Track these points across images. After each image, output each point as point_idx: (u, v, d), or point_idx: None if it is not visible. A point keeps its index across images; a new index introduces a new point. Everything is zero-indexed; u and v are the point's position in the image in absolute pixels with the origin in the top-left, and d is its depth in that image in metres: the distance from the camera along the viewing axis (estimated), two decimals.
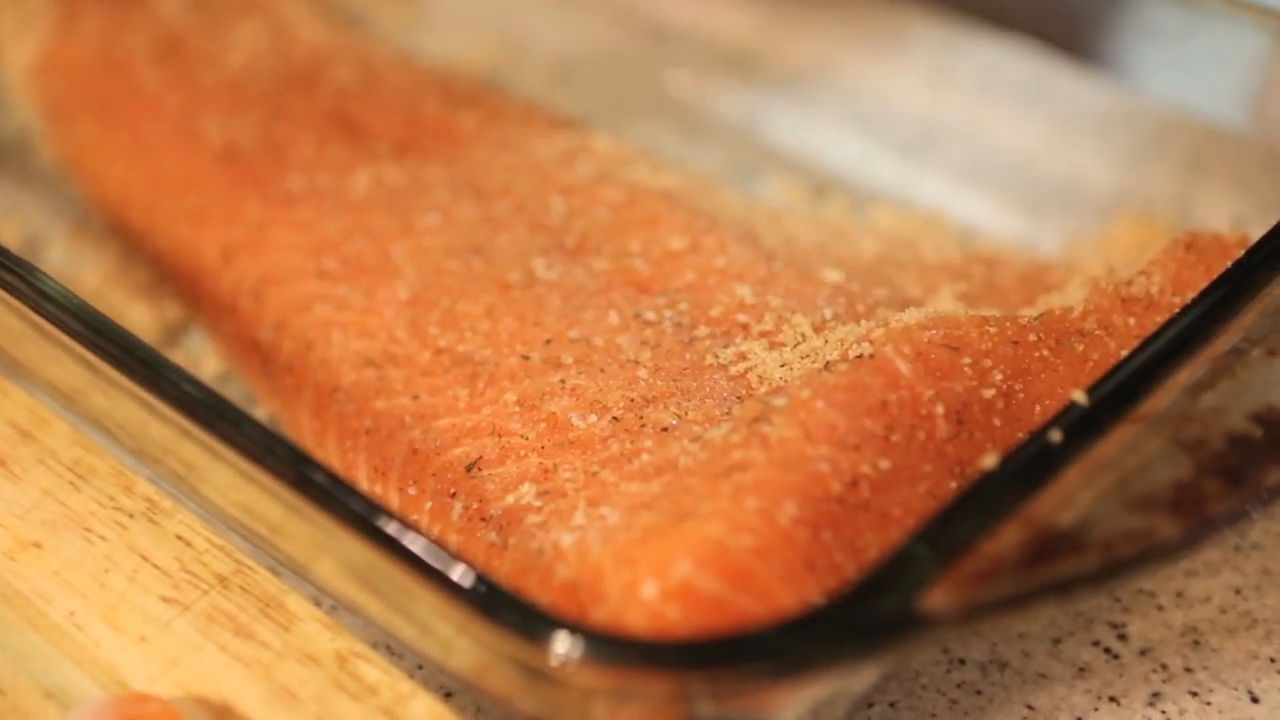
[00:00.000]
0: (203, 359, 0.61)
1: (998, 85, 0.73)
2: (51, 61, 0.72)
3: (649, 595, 0.42)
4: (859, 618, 0.40)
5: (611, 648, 0.40)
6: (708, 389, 0.50)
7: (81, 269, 0.65)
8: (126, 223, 0.65)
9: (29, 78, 0.72)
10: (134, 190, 0.65)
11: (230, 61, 0.69)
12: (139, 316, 0.62)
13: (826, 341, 0.50)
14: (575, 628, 0.40)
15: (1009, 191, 0.69)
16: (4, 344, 0.54)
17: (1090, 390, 0.44)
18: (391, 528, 0.42)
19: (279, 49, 0.70)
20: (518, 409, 0.51)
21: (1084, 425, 0.43)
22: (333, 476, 0.44)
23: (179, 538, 0.49)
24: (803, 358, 0.50)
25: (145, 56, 0.70)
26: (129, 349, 0.48)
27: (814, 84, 0.75)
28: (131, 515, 0.50)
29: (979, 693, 0.50)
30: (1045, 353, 0.48)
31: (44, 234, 0.67)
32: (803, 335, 0.51)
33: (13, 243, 0.65)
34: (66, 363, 0.51)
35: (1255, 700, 0.49)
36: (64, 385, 0.53)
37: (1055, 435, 0.43)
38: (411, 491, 0.50)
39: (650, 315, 0.54)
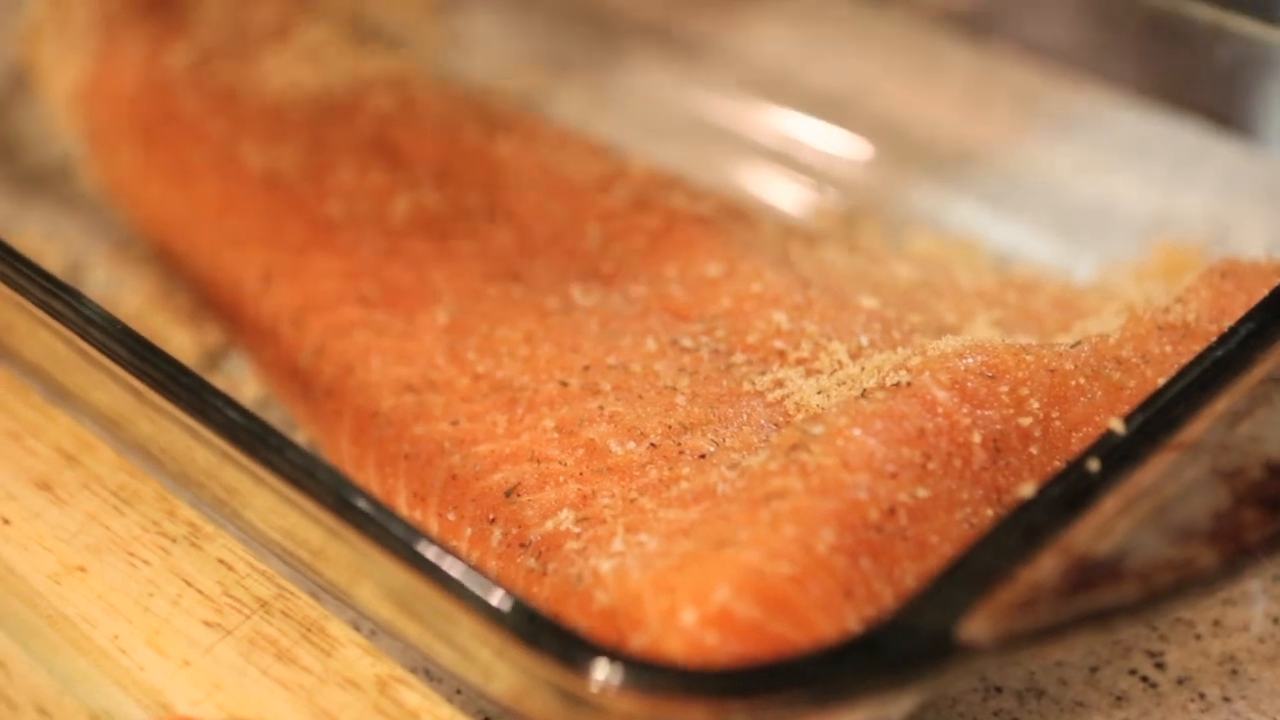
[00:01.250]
0: (242, 383, 0.61)
1: (1032, 109, 0.73)
2: (94, 87, 0.73)
3: (688, 622, 0.42)
4: (897, 646, 0.40)
5: (651, 674, 0.40)
6: (745, 416, 0.50)
7: (123, 293, 0.66)
8: (168, 247, 0.66)
9: (71, 104, 0.73)
10: (175, 215, 0.66)
11: (270, 87, 0.70)
12: (180, 341, 0.63)
13: (863, 369, 0.50)
14: (615, 654, 0.40)
15: (1043, 216, 0.69)
16: (50, 369, 0.55)
17: (1128, 419, 0.44)
18: (432, 553, 0.43)
19: (318, 74, 0.71)
20: (556, 435, 0.51)
21: (1122, 454, 0.43)
22: (374, 502, 0.44)
23: (221, 562, 0.50)
24: (840, 385, 0.50)
25: (186, 82, 0.71)
26: (174, 376, 0.48)
27: (846, 105, 0.75)
28: (175, 540, 0.51)
29: None
30: (1082, 380, 0.48)
31: (86, 258, 0.68)
32: (839, 362, 0.52)
33: (56, 266, 0.66)
34: (112, 388, 0.51)
35: None
36: (109, 410, 0.53)
37: (1093, 464, 0.43)
38: (451, 517, 0.51)
39: (687, 342, 0.54)
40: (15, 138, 0.74)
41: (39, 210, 0.70)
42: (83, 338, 0.51)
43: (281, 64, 0.72)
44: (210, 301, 0.63)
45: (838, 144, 0.73)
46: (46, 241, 0.68)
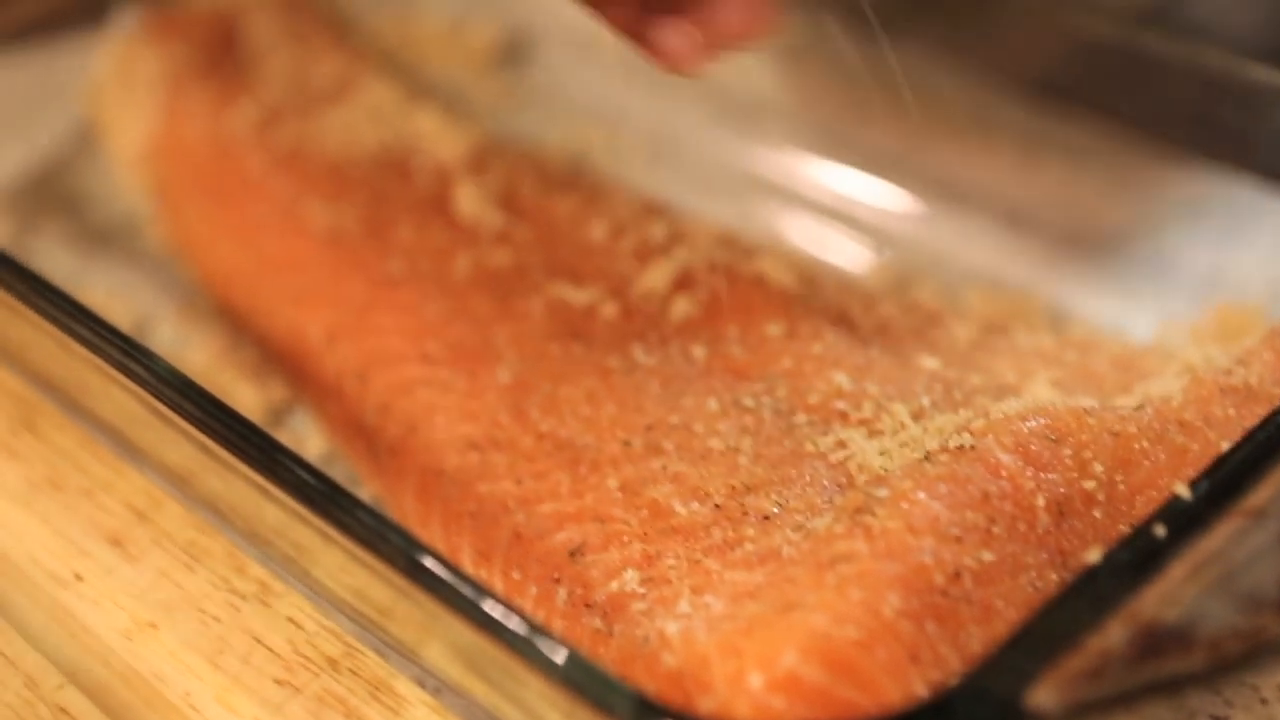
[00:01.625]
0: (307, 439, 0.62)
1: (1085, 168, 0.73)
2: (159, 145, 0.74)
3: (755, 686, 0.42)
4: (966, 713, 0.40)
5: None
6: (808, 477, 0.51)
7: (189, 349, 0.67)
8: (233, 303, 0.67)
9: (137, 161, 0.75)
10: (240, 272, 0.67)
11: (332, 144, 0.71)
12: (245, 396, 0.64)
13: (926, 430, 0.51)
14: (683, 716, 0.41)
15: (1098, 274, 0.69)
16: (121, 426, 0.56)
17: (1193, 484, 0.45)
18: (499, 612, 0.43)
19: (378, 132, 0.72)
20: (620, 495, 0.52)
21: (1188, 519, 0.43)
22: (444, 563, 0.45)
23: (290, 620, 0.51)
24: (902, 446, 0.51)
25: (249, 140, 0.72)
26: (245, 434, 0.49)
27: (901, 163, 0.76)
28: (244, 597, 0.51)
29: None
30: (1145, 444, 0.48)
31: (152, 314, 0.69)
32: (901, 423, 0.52)
33: (123, 322, 0.67)
34: (183, 446, 0.52)
35: None
36: (179, 467, 0.54)
37: (1159, 530, 0.43)
38: (515, 576, 0.51)
39: (749, 402, 0.55)
40: (82, 194, 0.76)
41: (106, 266, 0.71)
42: (156, 396, 0.51)
43: (343, 121, 0.73)
44: (275, 357, 0.64)
45: (893, 201, 0.74)
46: (113, 297, 0.69)
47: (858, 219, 0.73)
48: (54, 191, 0.76)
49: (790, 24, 0.83)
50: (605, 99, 0.82)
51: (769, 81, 0.81)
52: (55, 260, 0.71)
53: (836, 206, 0.74)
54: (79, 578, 0.52)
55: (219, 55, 0.77)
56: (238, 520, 0.54)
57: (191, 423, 0.50)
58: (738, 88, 0.82)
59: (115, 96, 0.77)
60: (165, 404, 0.51)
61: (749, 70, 0.82)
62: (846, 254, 0.71)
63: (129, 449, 0.57)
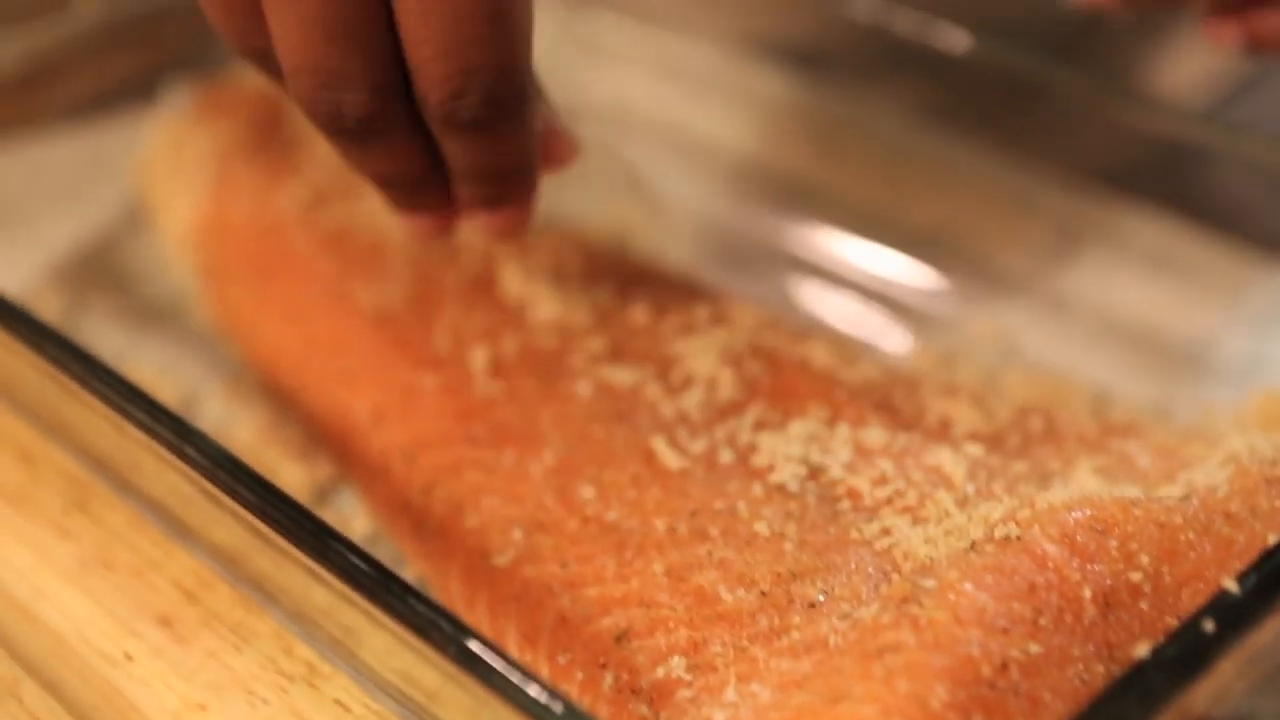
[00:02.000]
0: (352, 519, 0.63)
1: (1125, 250, 0.74)
2: (207, 224, 0.75)
3: None
4: None
5: None
6: (853, 565, 0.51)
7: (235, 427, 0.67)
8: (279, 382, 0.68)
9: (185, 238, 0.76)
10: (286, 350, 0.68)
11: (378, 224, 0.72)
12: (291, 475, 0.64)
13: (970, 518, 0.51)
14: None
15: (1138, 356, 0.69)
16: (171, 506, 0.57)
17: (1241, 577, 0.45)
18: (546, 698, 0.44)
19: None
20: (665, 580, 0.52)
21: (1237, 614, 0.44)
22: (491, 647, 0.45)
23: (337, 702, 0.51)
24: (947, 534, 0.51)
25: (296, 220, 0.73)
26: (295, 517, 0.50)
27: (942, 245, 0.76)
28: (292, 679, 0.52)
29: None
30: (1191, 535, 0.49)
31: (200, 392, 0.70)
32: (946, 511, 0.52)
33: (171, 399, 0.68)
34: (232, 526, 0.53)
35: None
36: (228, 548, 0.55)
37: (1208, 624, 0.43)
38: (562, 660, 0.52)
39: (793, 487, 0.55)
40: (131, 271, 0.77)
41: (154, 343, 0.72)
42: (207, 478, 0.52)
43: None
44: (321, 436, 0.65)
45: (933, 282, 0.74)
46: (161, 374, 0.70)
47: (898, 300, 0.74)
48: (103, 267, 0.77)
49: (830, 104, 0.84)
50: (646, 179, 0.83)
51: (807, 161, 0.82)
52: (104, 336, 0.72)
53: (876, 287, 0.75)
54: (129, 657, 0.53)
55: (267, 134, 0.79)
56: (286, 601, 0.54)
57: (242, 505, 0.51)
58: (776, 167, 0.83)
59: (164, 174, 0.79)
60: (217, 486, 0.52)
61: (787, 149, 0.83)
62: (887, 335, 0.72)
63: (179, 528, 0.58)
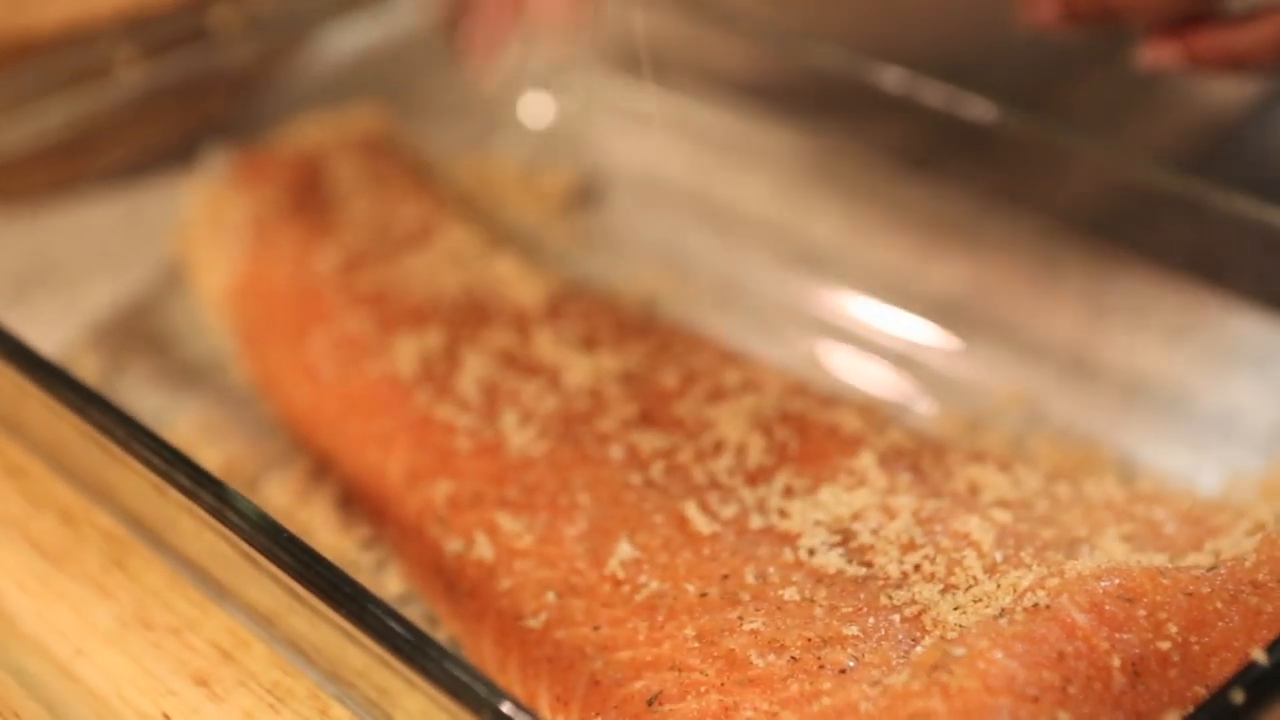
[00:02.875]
0: (386, 579, 0.63)
1: (1150, 316, 0.74)
2: (245, 286, 0.77)
3: None
4: None
5: None
6: (883, 630, 0.52)
7: (271, 486, 0.68)
8: (315, 442, 0.69)
9: (223, 301, 0.77)
10: (322, 412, 0.69)
11: (413, 288, 0.73)
12: (326, 536, 0.65)
13: (999, 586, 0.52)
14: None
15: (1164, 424, 0.70)
16: (209, 566, 0.58)
17: (1269, 648, 0.45)
18: None
19: (458, 275, 0.74)
20: (697, 644, 0.53)
21: (1266, 684, 0.44)
22: (525, 710, 0.46)
23: None
24: (975, 601, 0.51)
25: (333, 283, 0.74)
26: (333, 581, 0.50)
27: (968, 312, 0.77)
28: None
29: None
30: (1219, 605, 0.49)
31: (237, 452, 0.70)
32: (975, 578, 0.53)
33: (209, 461, 0.68)
34: (270, 587, 0.54)
35: None
36: (265, 608, 0.56)
37: (1237, 696, 0.43)
38: None
39: (823, 553, 0.55)
40: (169, 333, 0.78)
41: (191, 404, 0.73)
42: (246, 540, 0.53)
43: (424, 265, 0.75)
44: (357, 497, 0.66)
45: (958, 346, 0.75)
46: (199, 435, 0.71)
47: (925, 365, 0.75)
48: (142, 329, 0.78)
49: (856, 169, 0.85)
50: (674, 243, 0.84)
51: (833, 226, 0.83)
52: (142, 397, 0.73)
53: (903, 352, 0.76)
54: (167, 717, 0.54)
55: (303, 198, 0.80)
56: (321, 661, 0.55)
57: (279, 567, 0.52)
58: (801, 231, 0.84)
59: (203, 237, 0.80)
60: (254, 548, 0.53)
61: (813, 214, 0.84)
62: (914, 401, 0.73)
63: (216, 588, 0.58)
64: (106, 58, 0.79)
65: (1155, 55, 0.68)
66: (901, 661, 0.50)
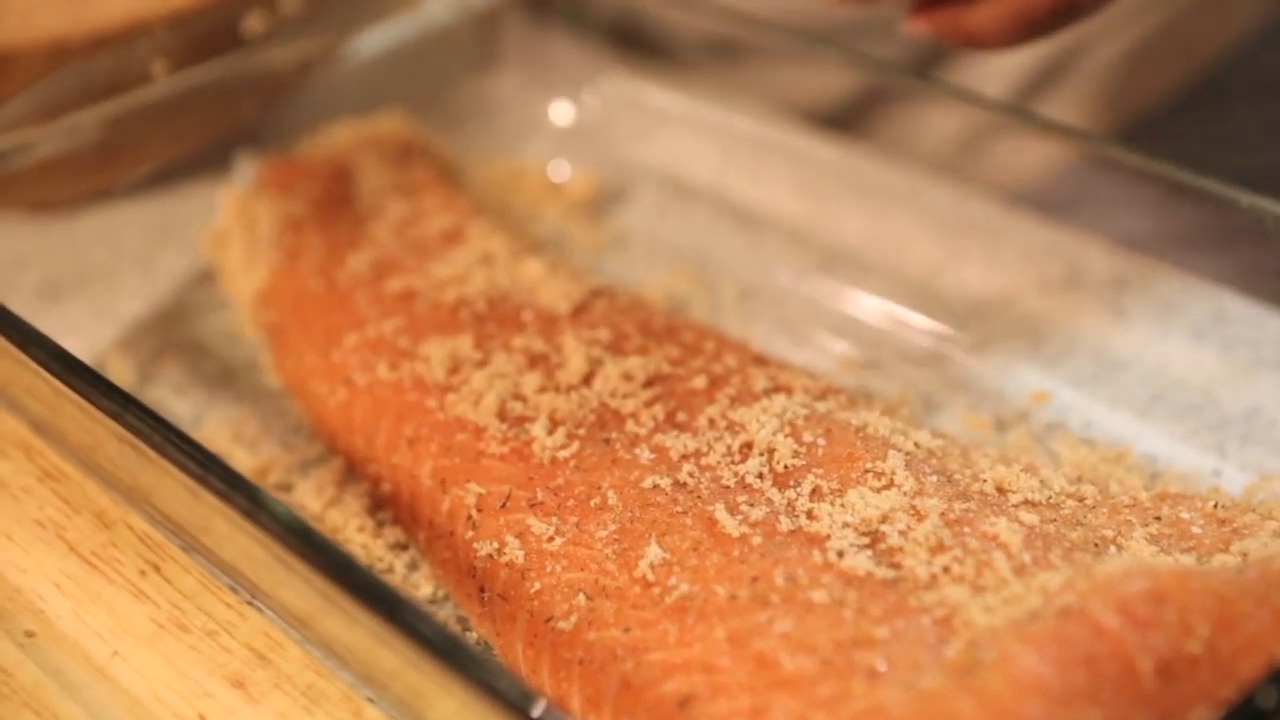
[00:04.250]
0: (418, 582, 0.64)
1: (1176, 317, 0.75)
2: (277, 291, 0.77)
3: None
4: None
5: None
6: (913, 633, 0.52)
7: (304, 492, 0.69)
8: (347, 447, 0.70)
9: (255, 306, 0.78)
10: (354, 417, 0.70)
11: (443, 292, 0.74)
12: (359, 538, 0.66)
13: (1028, 587, 0.52)
14: None
15: (1189, 424, 0.70)
16: (244, 569, 0.58)
17: None
18: None
19: (487, 278, 0.75)
20: (727, 646, 0.53)
21: None
22: (558, 713, 0.46)
23: None
24: (1005, 603, 0.52)
25: (365, 288, 0.75)
26: (365, 582, 0.51)
27: (994, 316, 0.77)
28: None
29: None
30: (1248, 606, 0.49)
31: (270, 454, 0.71)
32: (1004, 580, 0.53)
33: (239, 463, 0.69)
34: (304, 590, 0.54)
35: None
36: (299, 610, 0.56)
37: (1268, 697, 0.44)
38: None
39: (852, 554, 0.56)
40: (202, 337, 0.79)
41: (224, 408, 0.74)
42: (280, 543, 0.54)
43: (454, 269, 0.75)
44: (388, 500, 0.66)
45: (984, 351, 0.75)
46: (231, 439, 0.72)
47: (951, 368, 0.75)
48: (175, 333, 0.79)
49: (880, 172, 0.86)
50: (701, 245, 0.84)
51: (859, 229, 0.84)
52: (175, 401, 0.74)
53: (928, 352, 0.76)
54: (203, 718, 0.54)
55: (334, 204, 0.81)
56: (355, 664, 0.55)
57: (314, 569, 0.52)
58: (827, 234, 0.84)
59: (234, 242, 0.81)
60: (289, 551, 0.53)
61: (838, 216, 0.85)
62: (941, 404, 0.73)
63: (250, 591, 0.59)
64: (140, 65, 0.80)
65: (910, 28, 0.70)
66: (932, 664, 0.50)
